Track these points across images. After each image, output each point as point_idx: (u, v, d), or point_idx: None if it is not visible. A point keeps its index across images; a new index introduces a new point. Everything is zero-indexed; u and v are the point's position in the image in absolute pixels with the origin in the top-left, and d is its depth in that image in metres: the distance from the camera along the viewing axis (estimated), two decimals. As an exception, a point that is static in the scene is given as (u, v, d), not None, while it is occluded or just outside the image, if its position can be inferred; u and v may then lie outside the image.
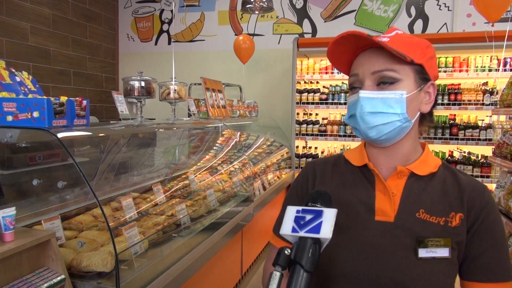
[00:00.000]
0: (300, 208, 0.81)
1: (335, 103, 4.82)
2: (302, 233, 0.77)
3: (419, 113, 0.97)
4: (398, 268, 0.91)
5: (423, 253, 0.90)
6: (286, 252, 0.75)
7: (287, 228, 0.80)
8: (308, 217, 0.79)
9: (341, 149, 4.93)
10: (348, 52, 0.98)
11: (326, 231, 0.76)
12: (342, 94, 4.80)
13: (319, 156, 4.97)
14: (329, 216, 0.78)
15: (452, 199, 0.96)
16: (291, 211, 0.81)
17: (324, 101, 4.87)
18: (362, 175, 1.02)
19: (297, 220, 0.79)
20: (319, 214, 0.79)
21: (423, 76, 0.95)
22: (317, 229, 0.77)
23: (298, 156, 4.99)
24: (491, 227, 0.94)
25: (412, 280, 0.90)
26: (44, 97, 1.67)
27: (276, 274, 0.73)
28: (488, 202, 0.96)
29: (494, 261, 0.94)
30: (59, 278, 1.38)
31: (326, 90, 4.90)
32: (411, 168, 0.98)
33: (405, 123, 0.94)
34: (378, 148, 1.01)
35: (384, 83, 0.92)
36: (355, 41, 0.93)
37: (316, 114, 5.06)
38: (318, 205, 0.82)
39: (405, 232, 0.93)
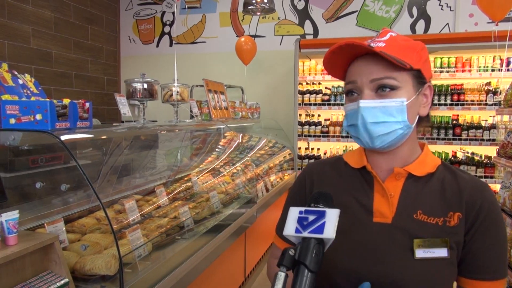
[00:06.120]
0: (303, 209, 0.81)
1: (338, 104, 4.81)
2: (305, 234, 0.78)
3: (418, 116, 0.97)
4: (395, 268, 0.91)
5: (420, 253, 0.90)
6: (290, 252, 0.75)
7: (290, 229, 0.80)
8: (311, 217, 0.79)
9: (344, 150, 4.92)
10: (343, 59, 0.97)
11: (330, 231, 0.76)
12: (345, 95, 4.78)
13: (322, 157, 4.96)
14: (332, 216, 0.78)
15: (450, 198, 0.95)
16: (294, 212, 0.82)
17: (326, 102, 4.86)
18: (361, 177, 1.03)
19: (300, 220, 0.80)
20: (322, 214, 0.79)
21: (420, 80, 0.95)
22: (320, 229, 0.77)
23: (301, 157, 4.98)
24: (492, 226, 0.93)
25: (410, 280, 0.89)
26: (47, 99, 1.67)
27: (281, 275, 0.73)
28: (489, 200, 0.94)
29: (493, 260, 0.93)
30: (62, 281, 1.37)
31: (328, 91, 4.90)
32: (408, 169, 0.98)
33: (407, 130, 0.94)
34: (378, 152, 1.00)
35: (383, 89, 0.91)
36: (352, 48, 0.93)
37: (319, 115, 5.05)
38: (321, 206, 0.82)
39: (402, 233, 0.93)
